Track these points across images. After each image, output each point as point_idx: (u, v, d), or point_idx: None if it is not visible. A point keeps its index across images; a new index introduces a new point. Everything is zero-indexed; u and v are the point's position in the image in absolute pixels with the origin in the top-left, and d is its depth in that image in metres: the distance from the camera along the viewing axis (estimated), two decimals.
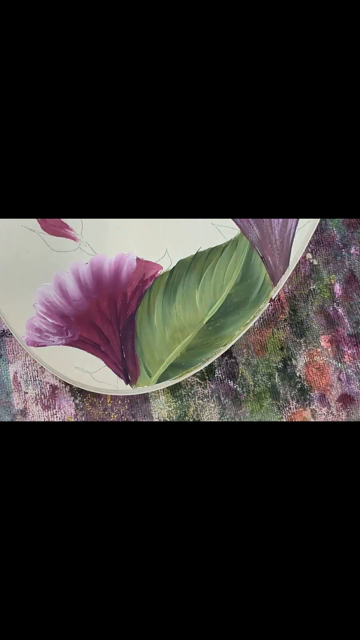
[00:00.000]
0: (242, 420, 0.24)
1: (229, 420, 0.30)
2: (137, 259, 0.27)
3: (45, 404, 0.31)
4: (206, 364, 0.28)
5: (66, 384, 0.31)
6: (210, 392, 0.30)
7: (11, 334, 0.31)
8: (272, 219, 0.28)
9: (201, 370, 0.30)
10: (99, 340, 0.28)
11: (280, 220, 0.28)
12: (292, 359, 0.31)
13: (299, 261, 0.31)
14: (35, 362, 0.31)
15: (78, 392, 0.31)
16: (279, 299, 0.31)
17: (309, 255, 0.31)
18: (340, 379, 0.31)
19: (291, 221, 0.28)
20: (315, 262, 0.31)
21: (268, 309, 0.31)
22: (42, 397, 0.31)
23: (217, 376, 0.31)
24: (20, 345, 0.30)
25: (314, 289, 0.31)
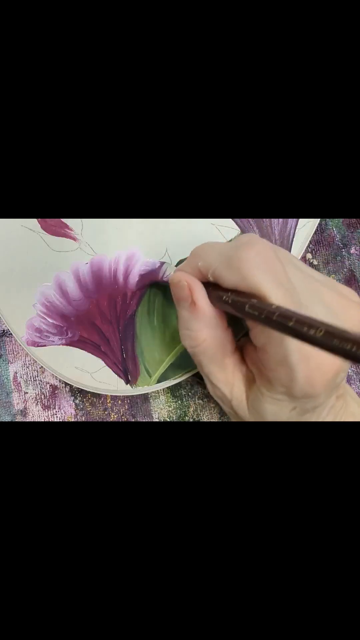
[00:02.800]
0: (242, 420, 0.24)
1: (229, 420, 0.30)
2: None
3: (45, 404, 0.31)
4: None
5: (66, 384, 0.31)
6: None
7: (11, 334, 0.31)
8: (272, 219, 0.28)
9: None
10: (99, 340, 0.28)
11: (280, 220, 0.28)
12: None
13: None
14: (35, 362, 0.31)
15: (78, 392, 0.31)
16: None
17: (309, 256, 0.31)
18: None
19: (291, 221, 0.28)
20: (315, 262, 0.31)
21: None
22: (42, 397, 0.31)
23: None
24: (20, 345, 0.30)
25: None
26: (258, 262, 0.19)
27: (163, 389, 0.30)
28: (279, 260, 0.20)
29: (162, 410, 0.31)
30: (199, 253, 0.22)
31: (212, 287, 0.21)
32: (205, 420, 0.30)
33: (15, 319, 0.27)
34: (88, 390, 0.28)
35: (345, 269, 0.31)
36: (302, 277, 0.21)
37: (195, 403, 0.30)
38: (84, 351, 0.28)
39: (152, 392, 0.30)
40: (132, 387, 0.28)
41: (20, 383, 0.31)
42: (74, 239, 0.26)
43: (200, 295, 0.21)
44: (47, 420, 0.31)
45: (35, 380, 0.31)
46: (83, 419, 0.30)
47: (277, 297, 0.18)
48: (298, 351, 0.19)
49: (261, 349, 0.20)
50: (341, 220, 0.31)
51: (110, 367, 0.28)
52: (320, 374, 0.19)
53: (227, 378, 0.22)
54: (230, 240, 0.27)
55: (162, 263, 0.27)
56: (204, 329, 0.21)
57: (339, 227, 0.31)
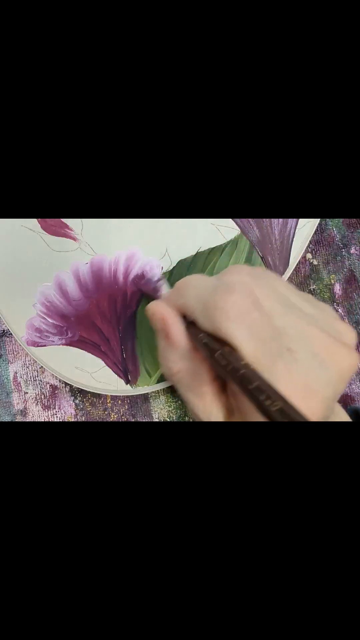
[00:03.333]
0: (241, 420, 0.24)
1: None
2: None
3: (45, 404, 0.31)
4: None
5: (66, 384, 0.31)
6: None
7: (11, 334, 0.31)
8: (272, 219, 0.28)
9: None
10: (99, 340, 0.28)
11: (280, 220, 0.28)
12: None
13: (299, 261, 0.31)
14: (35, 362, 0.31)
15: (78, 392, 0.31)
16: None
17: (309, 255, 0.31)
18: None
19: (291, 221, 0.28)
20: (315, 262, 0.31)
21: None
22: (42, 397, 0.31)
23: None
24: (20, 345, 0.30)
25: (314, 289, 0.31)
26: (233, 312, 0.19)
27: (163, 389, 0.30)
28: (257, 309, 0.19)
29: (162, 410, 0.31)
30: (181, 290, 0.22)
31: (191, 323, 0.21)
32: None
33: (15, 319, 0.27)
34: (88, 390, 0.28)
35: (345, 269, 0.31)
36: (294, 318, 0.20)
37: None
38: (84, 351, 0.28)
39: (152, 392, 0.30)
40: (132, 387, 0.28)
41: (20, 383, 0.31)
42: (74, 239, 0.26)
43: (175, 329, 0.21)
44: (47, 420, 0.31)
45: (35, 380, 0.31)
46: (83, 419, 0.30)
47: (249, 350, 0.18)
48: None
49: (238, 394, 0.20)
50: (341, 220, 0.31)
51: (110, 367, 0.28)
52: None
53: (204, 406, 0.22)
54: (230, 241, 0.27)
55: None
56: (178, 360, 0.21)
57: (339, 227, 0.31)
